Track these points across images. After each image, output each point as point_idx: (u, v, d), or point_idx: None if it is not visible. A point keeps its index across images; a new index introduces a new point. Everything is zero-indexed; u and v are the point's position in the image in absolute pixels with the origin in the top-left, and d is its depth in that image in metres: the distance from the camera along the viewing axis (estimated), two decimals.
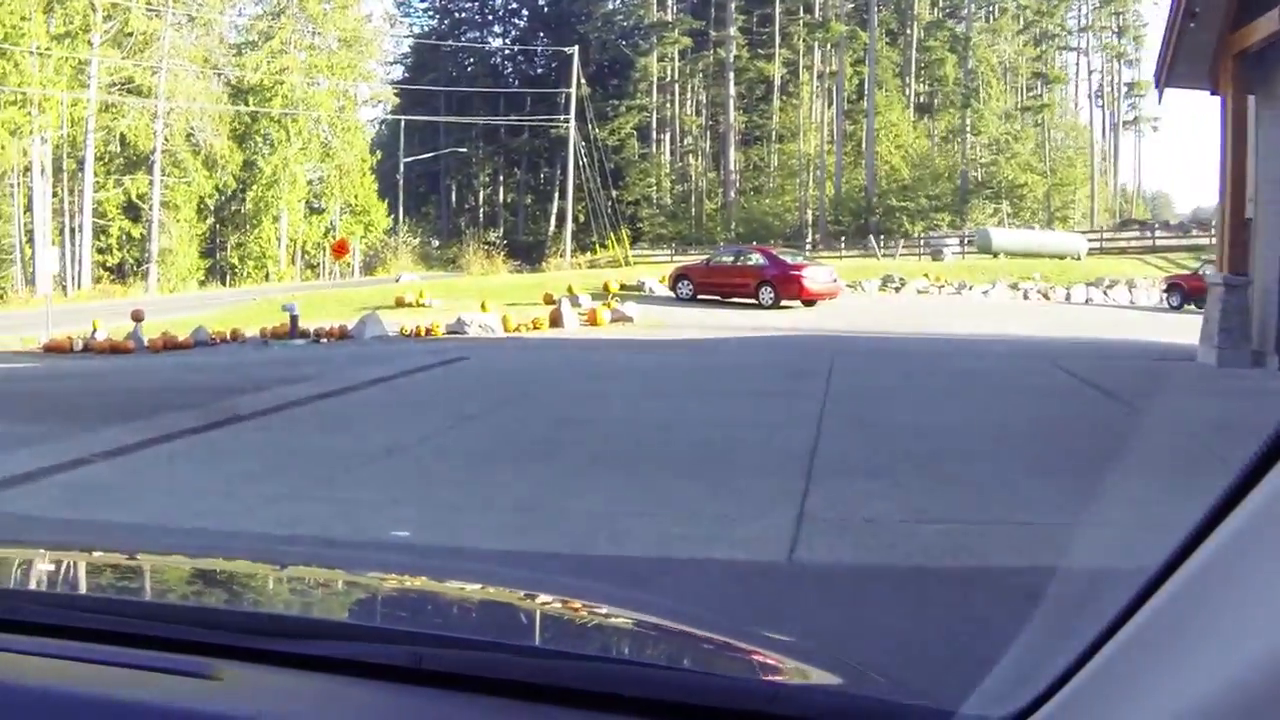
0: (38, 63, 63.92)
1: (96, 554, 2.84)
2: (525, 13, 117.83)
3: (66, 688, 1.61)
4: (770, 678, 2.01)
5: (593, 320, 34.49)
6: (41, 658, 1.70)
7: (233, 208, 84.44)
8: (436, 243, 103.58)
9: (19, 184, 66.15)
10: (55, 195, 69.34)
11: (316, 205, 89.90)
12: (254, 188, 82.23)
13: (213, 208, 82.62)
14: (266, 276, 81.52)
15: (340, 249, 52.19)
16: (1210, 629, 1.18)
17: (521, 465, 11.61)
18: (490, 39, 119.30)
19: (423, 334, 32.37)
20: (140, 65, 71.13)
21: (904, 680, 1.95)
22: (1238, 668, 1.11)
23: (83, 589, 2.44)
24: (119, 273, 74.57)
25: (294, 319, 32.30)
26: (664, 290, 44.34)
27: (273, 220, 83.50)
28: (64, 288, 65.72)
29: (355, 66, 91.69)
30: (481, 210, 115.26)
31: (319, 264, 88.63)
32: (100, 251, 73.23)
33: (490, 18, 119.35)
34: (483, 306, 35.82)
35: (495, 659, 1.73)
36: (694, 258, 59.68)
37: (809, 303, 39.61)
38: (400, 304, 40.32)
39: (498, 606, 2.51)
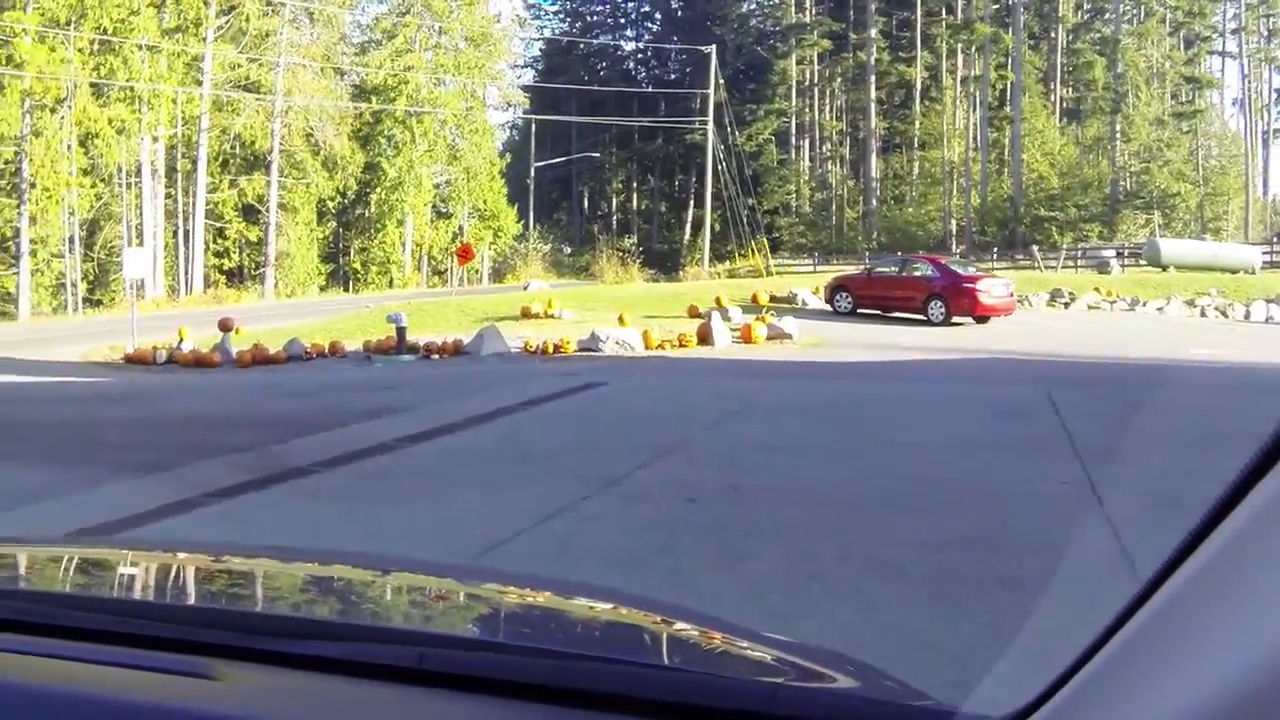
0: (146, 58, 61.20)
1: (96, 554, 2.92)
2: (658, 16, 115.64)
3: (66, 688, 1.60)
4: (771, 677, 1.99)
5: (747, 337, 29.82)
6: (41, 658, 1.69)
7: (356, 211, 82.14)
8: (568, 250, 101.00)
9: (129, 184, 63.49)
10: (169, 196, 66.94)
11: (443, 210, 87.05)
12: (377, 190, 79.37)
13: (335, 211, 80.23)
14: (390, 283, 78.86)
15: (465, 254, 48.22)
16: (1210, 629, 1.18)
17: (703, 577, 7.47)
18: (622, 43, 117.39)
19: (550, 351, 27.97)
20: (258, 59, 68.18)
21: (905, 680, 1.94)
22: (1238, 668, 1.11)
23: (82, 589, 2.40)
24: (236, 277, 71.94)
25: (400, 331, 28.24)
26: (817, 302, 40.44)
27: (397, 224, 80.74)
28: (175, 292, 64.23)
29: (483, 67, 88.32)
30: (615, 217, 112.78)
31: (446, 270, 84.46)
32: (218, 255, 70.63)
33: (622, 21, 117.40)
34: (620, 320, 31.24)
35: (495, 659, 1.76)
36: (839, 268, 57.17)
37: (981, 319, 35.31)
38: (527, 315, 35.98)
39: (498, 606, 2.47)
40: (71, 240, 59.25)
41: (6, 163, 57.75)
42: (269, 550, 3.41)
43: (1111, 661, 1.31)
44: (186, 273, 66.29)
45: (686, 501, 9.98)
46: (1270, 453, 1.16)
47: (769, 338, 30.02)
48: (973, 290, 35.04)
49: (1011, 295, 36.60)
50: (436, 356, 27.86)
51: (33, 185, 56.04)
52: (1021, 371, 22.88)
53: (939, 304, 35.22)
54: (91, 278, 63.05)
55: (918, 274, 37.09)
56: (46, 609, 1.94)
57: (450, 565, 4.24)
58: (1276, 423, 1.14)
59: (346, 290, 76.22)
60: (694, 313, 35.43)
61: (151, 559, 2.78)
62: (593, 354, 27.69)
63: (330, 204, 77.93)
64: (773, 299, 40.22)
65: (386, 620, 2.30)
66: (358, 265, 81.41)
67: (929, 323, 35.01)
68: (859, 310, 37.58)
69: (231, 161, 71.07)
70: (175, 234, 66.96)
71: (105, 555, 2.87)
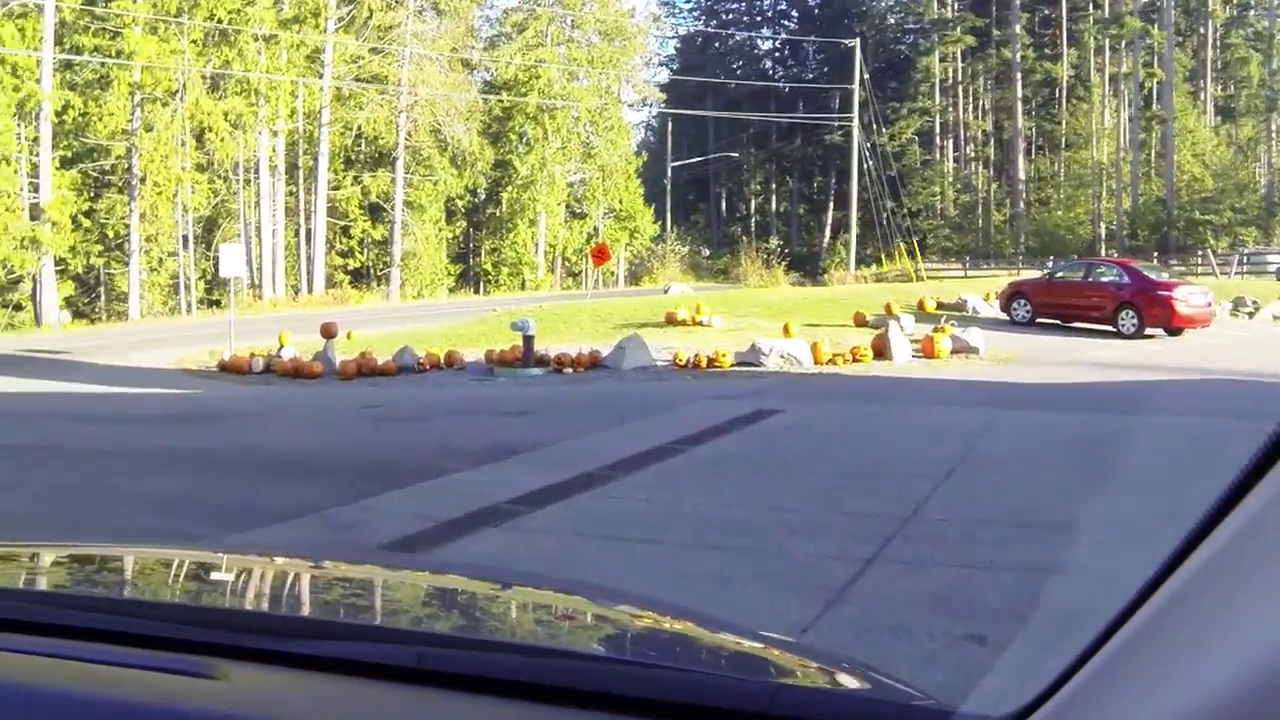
0: (263, 49, 58.30)
1: (97, 554, 2.87)
2: (794, 14, 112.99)
3: (66, 687, 1.61)
4: (773, 678, 2.02)
5: (929, 351, 25.45)
6: (42, 657, 1.70)
7: (487, 210, 79.14)
8: (706, 252, 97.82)
9: (247, 181, 60.86)
10: (290, 194, 64.26)
11: (577, 209, 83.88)
12: (508, 189, 76.16)
13: (464, 210, 77.43)
14: (523, 285, 75.91)
15: (601, 254, 44.72)
16: (1210, 629, 1.19)
17: None
18: (759, 40, 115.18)
19: (704, 365, 23.84)
20: (382, 47, 64.82)
21: (905, 679, 1.94)
22: (1238, 667, 1.11)
23: (83, 589, 2.41)
24: (362, 277, 69.10)
25: (528, 340, 24.21)
26: (988, 309, 36.15)
27: (529, 224, 77.49)
28: (295, 292, 61.52)
29: (617, 62, 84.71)
30: (753, 219, 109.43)
31: (580, 272, 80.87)
32: (341, 255, 67.73)
33: (758, 19, 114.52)
34: (786, 330, 26.78)
35: (495, 659, 1.76)
36: (991, 273, 55.93)
37: (1174, 331, 30.89)
38: (672, 321, 31.86)
39: (498, 606, 2.51)
40: (186, 238, 56.72)
41: (118, 158, 55.34)
42: (268, 551, 3.99)
43: (1111, 661, 1.31)
44: (308, 272, 63.38)
45: (969, 642, 5.96)
46: (1270, 453, 1.16)
47: (953, 351, 25.72)
48: (1169, 299, 30.76)
49: (1210, 305, 32.23)
50: (569, 370, 23.87)
51: (143, 180, 53.40)
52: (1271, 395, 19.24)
53: (1131, 314, 31.06)
54: (210, 277, 59.91)
55: (1105, 280, 32.75)
56: (47, 609, 1.95)
57: (449, 565, 4.28)
58: (1277, 423, 1.13)
59: (477, 292, 73.39)
60: (860, 321, 31.24)
61: (152, 559, 2.81)
62: (754, 369, 23.52)
63: (460, 203, 75.29)
64: (940, 305, 36.08)
65: (386, 620, 2.32)
66: (488, 266, 78.21)
67: (1119, 334, 30.89)
68: (1037, 320, 33.51)
69: (355, 158, 68.32)
70: (296, 232, 64.29)
71: (106, 555, 2.82)
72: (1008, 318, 34.05)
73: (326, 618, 2.23)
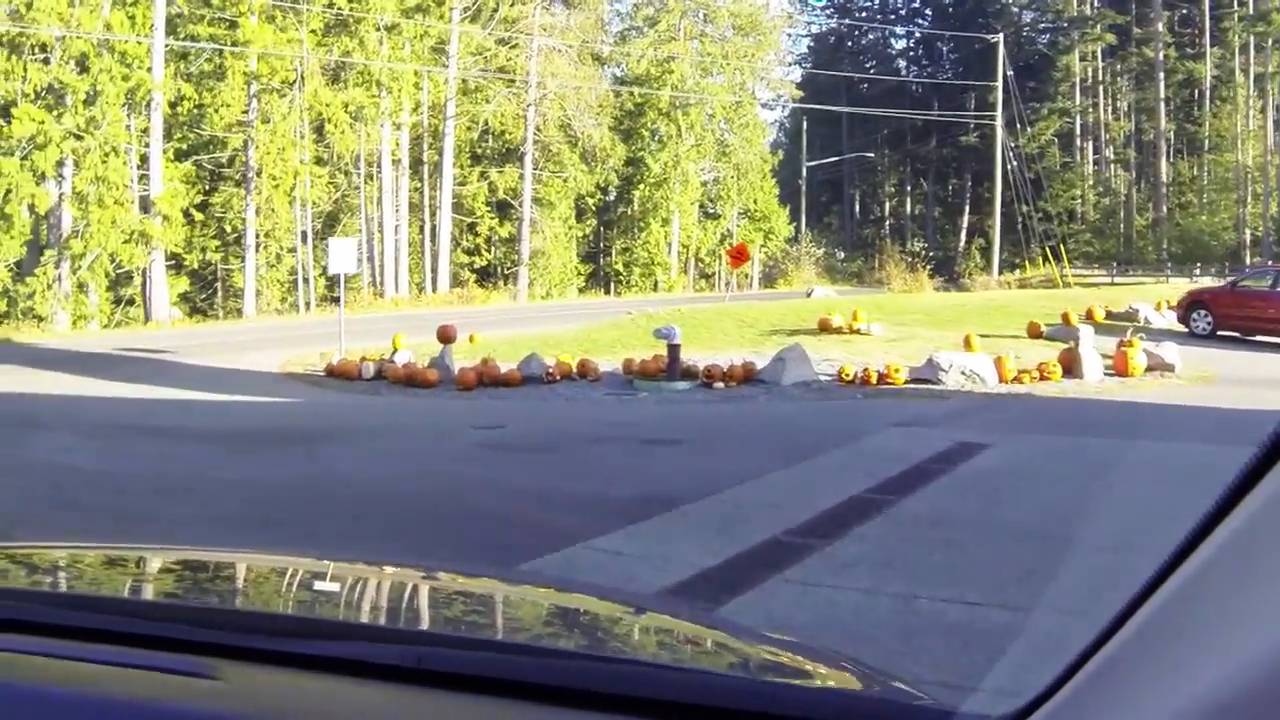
0: (385, 39, 56.02)
1: (97, 554, 2.83)
2: (928, 12, 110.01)
3: (67, 688, 1.62)
4: (771, 677, 2.03)
5: (1122, 368, 22.05)
6: (42, 658, 1.70)
7: (618, 209, 76.70)
8: (842, 255, 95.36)
9: (370, 176, 58.72)
10: (414, 189, 61.86)
11: (711, 209, 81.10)
12: (640, 186, 73.63)
13: (595, 208, 74.66)
14: (655, 286, 73.51)
15: (740, 255, 42.03)
16: (1210, 628, 1.19)
17: None
18: (893, 41, 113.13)
19: (874, 381, 20.67)
20: (510, 38, 62.25)
21: (905, 679, 1.95)
22: (1238, 667, 1.11)
23: (84, 589, 2.41)
24: (489, 276, 66.58)
25: (673, 350, 21.03)
26: (1162, 320, 32.98)
27: (662, 224, 74.67)
28: (420, 290, 59.31)
29: (752, 57, 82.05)
30: (887, 222, 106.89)
31: (712, 274, 79.67)
32: (468, 253, 65.20)
33: (892, 18, 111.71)
34: (967, 343, 23.20)
35: (495, 659, 1.76)
36: (1138, 280, 55.07)
37: None
38: (826, 329, 28.71)
39: (498, 606, 2.52)
40: (305, 234, 54.24)
41: (235, 151, 53.17)
42: (268, 551, 4.00)
43: (1111, 661, 1.31)
44: (432, 270, 60.90)
45: None
46: (1269, 453, 1.15)
47: (1147, 368, 22.41)
48: None
49: None
50: (720, 385, 20.71)
51: (259, 174, 51.21)
52: None
53: None
54: (335, 275, 57.09)
55: None
56: (47, 609, 1.95)
57: (449, 566, 3.97)
58: (1276, 424, 1.13)
59: (607, 292, 71.55)
60: (1035, 332, 28.00)
61: (152, 559, 2.76)
62: (931, 387, 20.28)
63: (590, 200, 72.63)
64: (1109, 315, 33.05)
65: (386, 620, 2.33)
66: (619, 266, 75.80)
67: None
68: (1217, 332, 30.19)
69: (482, 153, 66.09)
70: (421, 229, 61.81)
71: (106, 555, 2.78)
72: (1185, 329, 30.73)
73: (326, 618, 2.24)
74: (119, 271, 46.89)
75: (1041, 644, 5.95)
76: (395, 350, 24.18)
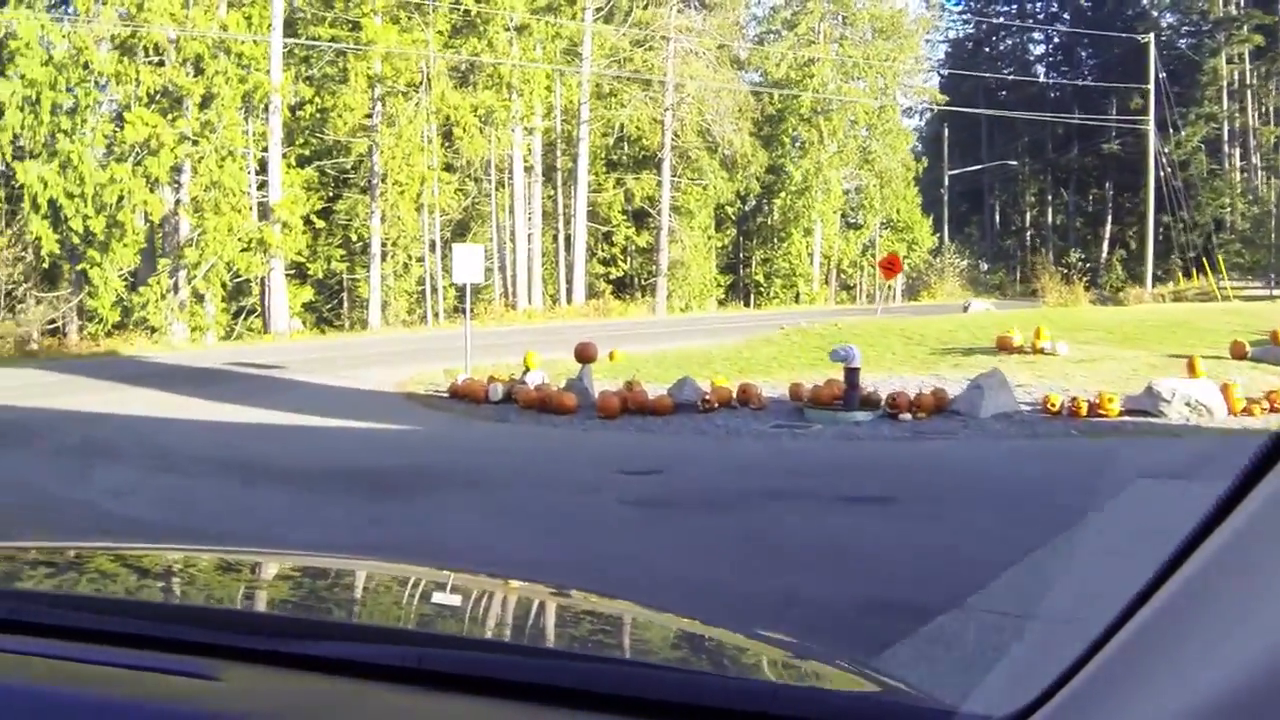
0: (515, 39, 53.44)
1: (98, 555, 2.87)
2: (1066, 16, 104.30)
3: (68, 689, 1.63)
4: (771, 677, 2.05)
5: None
6: (43, 658, 1.71)
7: (757, 219, 73.86)
8: (985, 266, 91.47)
9: (500, 183, 56.04)
10: (547, 196, 59.26)
11: (852, 219, 78.39)
12: (781, 195, 70.42)
13: (734, 217, 72.18)
14: (796, 298, 70.25)
15: (892, 265, 39.81)
16: (1210, 629, 1.20)
17: None
18: (1030, 46, 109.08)
19: (1083, 412, 17.19)
20: (646, 36, 59.40)
21: (906, 679, 1.96)
22: (1238, 667, 1.12)
23: (84, 590, 2.39)
24: (625, 287, 64.00)
25: (851, 374, 17.73)
26: None
27: (803, 233, 71.45)
28: (554, 302, 56.87)
29: (894, 61, 78.36)
30: (1028, 232, 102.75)
31: (854, 286, 77.12)
32: (603, 263, 62.77)
33: (1029, 23, 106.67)
34: (1191, 368, 19.15)
35: (495, 659, 1.80)
36: None
37: None
38: (1005, 348, 25.20)
39: (498, 606, 2.55)
40: (433, 242, 51.74)
41: (360, 157, 50.88)
42: (269, 551, 4.02)
43: (1111, 661, 1.32)
44: (567, 281, 58.38)
45: None
46: (1269, 453, 1.16)
47: None
48: None
49: None
50: (908, 416, 17.35)
51: (384, 179, 48.92)
52: None
53: None
54: (460, 285, 54.79)
55: None
56: (48, 610, 1.93)
57: (450, 566, 3.73)
58: (1276, 426, 1.06)
59: (746, 304, 68.83)
60: (1239, 352, 23.82)
61: (153, 560, 2.77)
62: (1153, 420, 16.77)
63: (729, 209, 70.27)
64: None
65: (387, 621, 2.34)
66: (760, 277, 72.76)
67: None
68: None
69: (617, 159, 63.51)
70: (554, 238, 59.17)
71: (107, 556, 2.80)
72: None
73: (327, 618, 2.24)
74: (237, 281, 45.20)
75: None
76: (527, 370, 21.32)
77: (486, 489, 12.47)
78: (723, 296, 69.30)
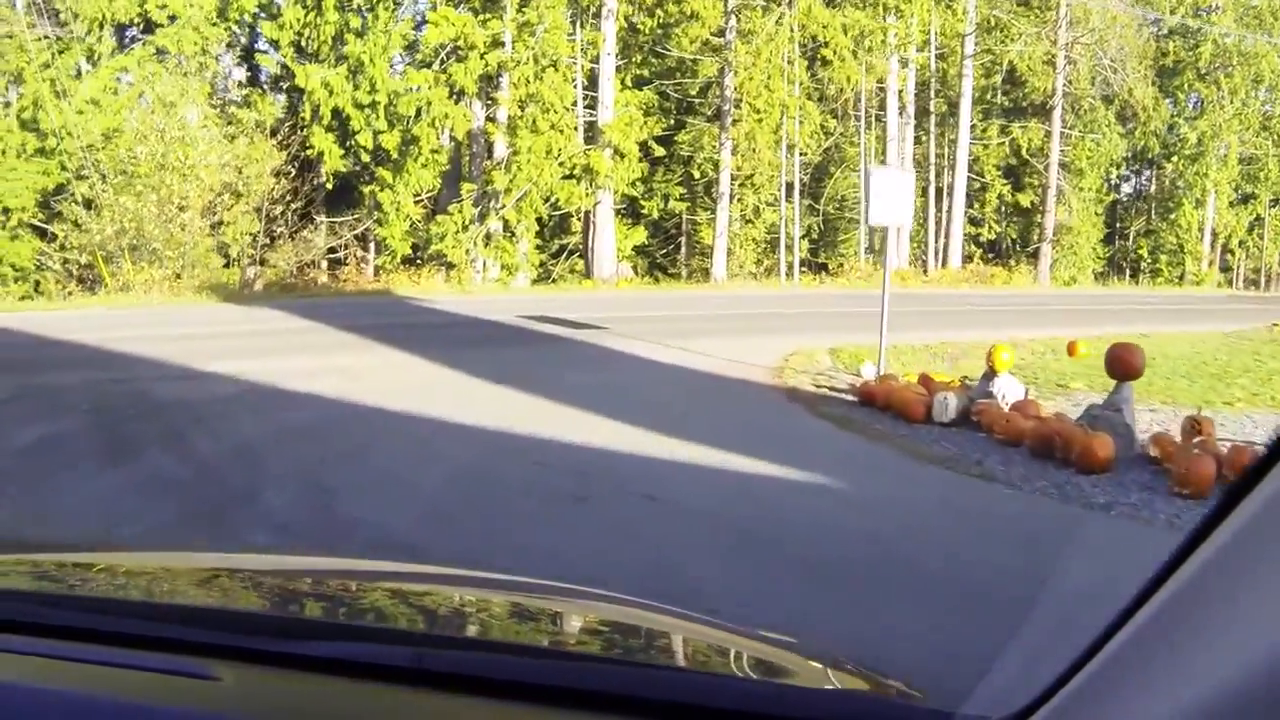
0: None
1: (97, 556, 2.93)
2: None
3: (69, 689, 1.62)
4: (773, 678, 2.03)
5: None
6: (43, 659, 1.71)
7: (1139, 182, 65.96)
8: None
9: (870, 120, 47.75)
10: (918, 142, 50.90)
11: (1245, 191, 66.73)
12: (1172, 160, 61.20)
13: (1114, 181, 62.94)
14: (1181, 277, 61.41)
15: None
16: (1209, 629, 1.21)
17: None
18: None
19: None
20: None
21: (906, 680, 1.94)
22: (1237, 668, 1.13)
23: (84, 591, 2.36)
24: (994, 251, 55.91)
25: None
26: None
27: (1194, 204, 61.74)
28: (922, 266, 48.56)
29: None
30: None
31: (1230, 267, 66.88)
32: (972, 223, 54.28)
33: None
34: None
35: (495, 659, 1.79)
36: None
37: None
38: None
39: (498, 607, 2.49)
40: (790, 185, 43.51)
41: (710, 79, 43.40)
42: (269, 553, 4.26)
43: (1111, 662, 1.33)
44: (940, 243, 50.32)
45: None
46: (1269, 455, 1.16)
47: None
48: None
49: None
50: None
51: (737, 105, 41.00)
52: None
53: None
54: (815, 236, 48.42)
55: None
56: (48, 610, 1.93)
57: (450, 567, 4.11)
58: (1277, 428, 1.25)
59: (1125, 280, 60.23)
60: None
61: (152, 561, 2.84)
62: None
63: (1113, 172, 61.46)
64: None
65: (386, 621, 2.29)
66: (1143, 251, 63.68)
67: None
68: None
69: (993, 105, 54.67)
70: (923, 191, 49.75)
71: (107, 558, 2.85)
72: None
73: (326, 619, 2.21)
74: (555, 215, 39.27)
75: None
76: (993, 373, 13.07)
77: None
78: (1100, 270, 60.80)
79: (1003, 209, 55.70)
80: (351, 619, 2.24)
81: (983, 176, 53.27)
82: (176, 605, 2.19)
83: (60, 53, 34.28)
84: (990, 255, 54.97)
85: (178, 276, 30.33)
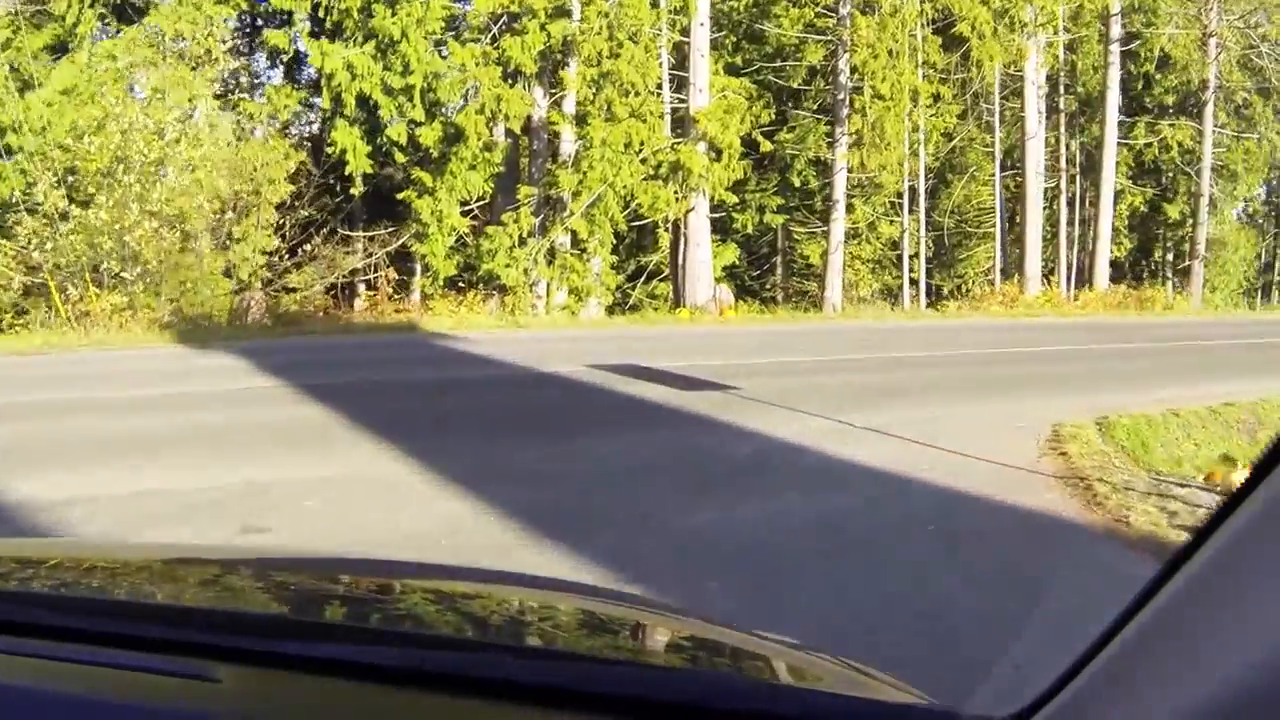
0: None
1: (96, 557, 2.81)
2: None
3: (66, 690, 1.63)
4: (772, 678, 2.04)
5: None
6: (41, 660, 1.72)
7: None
8: None
9: (1003, 115, 41.52)
10: (1049, 144, 43.86)
11: None
12: None
13: (1264, 190, 56.60)
14: None
15: None
16: (1210, 629, 1.22)
17: None
18: None
19: None
20: None
21: (906, 680, 1.95)
22: (1238, 668, 1.15)
23: (82, 591, 2.35)
24: (1126, 271, 49.24)
25: None
26: None
27: None
28: (1053, 284, 41.92)
29: None
30: None
31: None
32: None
33: None
34: None
35: (494, 660, 1.78)
36: None
37: None
38: None
39: (497, 607, 2.50)
40: (913, 190, 37.23)
41: (816, 67, 36.88)
42: (269, 553, 4.08)
43: (1111, 662, 1.35)
44: (1082, 257, 44.40)
45: None
46: (1271, 454, 1.18)
47: None
48: None
49: None
50: None
51: (856, 90, 34.30)
52: None
53: None
54: (931, 251, 41.92)
55: None
56: (47, 611, 1.94)
57: (451, 568, 4.12)
58: (1277, 429, 1.12)
59: (1264, 301, 54.69)
60: None
61: (152, 561, 2.74)
62: None
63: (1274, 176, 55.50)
64: None
65: (386, 622, 2.30)
66: None
67: None
68: None
69: (1133, 98, 47.81)
70: (1054, 200, 44.50)
71: (107, 558, 2.72)
72: None
73: (325, 619, 2.22)
74: (635, 225, 32.27)
75: None
76: None
77: None
78: (1253, 290, 56.26)
79: (1135, 218, 49.92)
80: (352, 619, 2.24)
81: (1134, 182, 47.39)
82: (175, 606, 2.18)
83: (17, 31, 28.10)
84: (1125, 274, 48.71)
85: (149, 306, 24.25)
